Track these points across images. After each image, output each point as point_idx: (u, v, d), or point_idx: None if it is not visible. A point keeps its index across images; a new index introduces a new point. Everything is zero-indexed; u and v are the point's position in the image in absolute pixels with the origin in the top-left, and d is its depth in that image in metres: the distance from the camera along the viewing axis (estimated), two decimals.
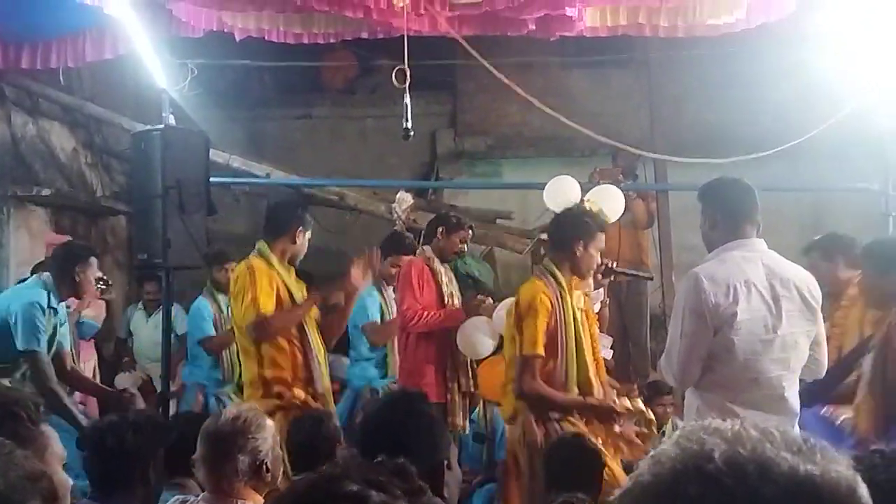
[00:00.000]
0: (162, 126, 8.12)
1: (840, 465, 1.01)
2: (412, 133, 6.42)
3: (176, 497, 3.55)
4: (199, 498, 3.43)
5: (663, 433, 7.58)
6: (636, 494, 1.03)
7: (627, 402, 5.21)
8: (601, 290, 6.25)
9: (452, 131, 12.28)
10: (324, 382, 5.53)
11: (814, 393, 4.81)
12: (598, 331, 5.81)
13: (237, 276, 5.51)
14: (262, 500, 3.41)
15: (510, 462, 5.16)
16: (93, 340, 8.22)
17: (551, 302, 5.12)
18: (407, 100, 6.26)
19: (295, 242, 5.61)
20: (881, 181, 8.67)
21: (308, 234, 5.67)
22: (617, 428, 5.16)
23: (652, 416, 5.27)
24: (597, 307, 5.94)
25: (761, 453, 1.00)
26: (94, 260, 6.15)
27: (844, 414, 5.13)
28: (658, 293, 9.77)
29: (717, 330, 3.99)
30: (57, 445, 2.56)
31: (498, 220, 10.45)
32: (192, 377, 7.90)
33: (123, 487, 3.42)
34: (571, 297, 5.27)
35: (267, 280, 5.39)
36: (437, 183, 11.77)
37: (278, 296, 5.43)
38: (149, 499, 3.49)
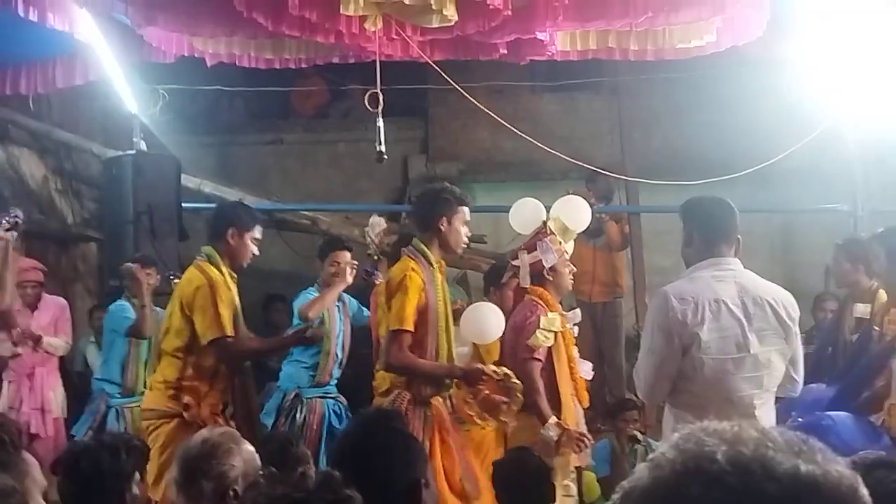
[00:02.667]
0: (133, 151, 8.13)
1: (840, 466, 1.01)
2: (386, 156, 6.44)
3: None
4: None
5: (635, 450, 7.64)
6: (635, 498, 1.02)
7: (493, 367, 5.22)
8: (577, 310, 6.25)
9: (424, 156, 12.29)
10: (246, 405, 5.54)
11: (843, 397, 4.88)
12: (575, 353, 5.84)
13: (196, 287, 5.36)
14: None
15: None
16: (55, 368, 7.91)
17: (422, 279, 5.09)
18: (380, 122, 6.28)
19: (230, 245, 5.51)
20: (850, 202, 8.77)
21: (250, 235, 5.56)
22: (485, 391, 5.17)
23: (518, 382, 5.20)
24: (575, 330, 5.94)
25: (763, 453, 0.99)
26: None
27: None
28: (632, 315, 9.81)
29: (686, 348, 3.99)
30: (37, 473, 2.52)
31: (471, 245, 10.44)
32: (97, 385, 7.54)
33: None
34: (443, 274, 5.30)
35: (225, 293, 5.36)
36: (410, 208, 11.76)
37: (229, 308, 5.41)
38: None
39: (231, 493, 3.28)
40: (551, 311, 5.69)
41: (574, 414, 5.65)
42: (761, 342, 4.03)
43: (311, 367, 7.09)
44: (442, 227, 5.22)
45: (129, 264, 7.04)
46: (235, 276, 5.57)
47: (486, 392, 5.18)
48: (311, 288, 7.18)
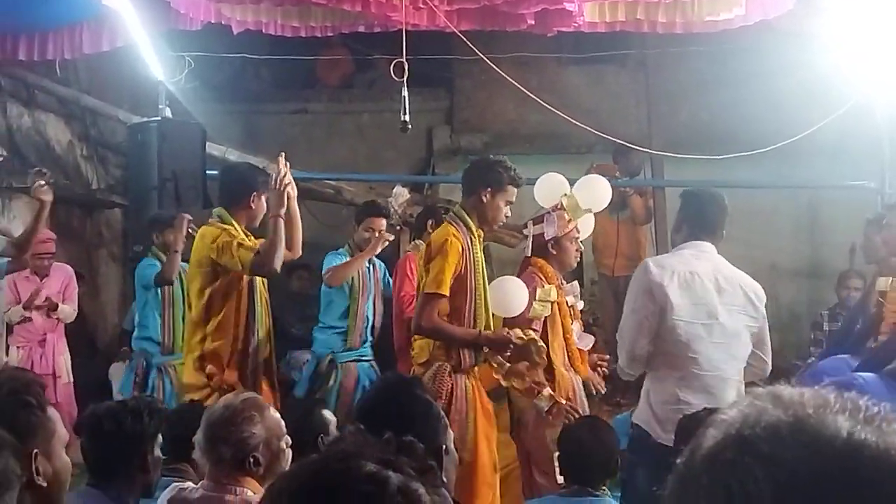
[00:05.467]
0: (159, 118, 8.14)
1: None
2: (410, 126, 6.42)
3: (174, 484, 3.53)
4: (199, 486, 3.41)
5: None
6: (698, 460, 1.02)
7: (519, 332, 5.23)
8: (575, 283, 6.25)
9: (449, 128, 12.26)
10: (261, 361, 5.51)
11: (871, 364, 4.93)
12: (575, 325, 5.89)
13: (213, 236, 5.33)
14: (261, 488, 3.37)
15: None
16: (62, 334, 8.00)
17: (462, 246, 5.10)
18: (405, 92, 6.25)
19: (251, 208, 5.52)
20: (878, 179, 8.69)
21: (265, 198, 5.52)
22: (509, 363, 5.23)
23: (543, 345, 5.26)
24: (570, 300, 5.93)
25: (807, 419, 0.98)
26: None
27: None
28: None
29: (662, 310, 4.47)
30: (62, 429, 2.55)
31: None
32: (137, 344, 7.57)
33: (122, 473, 3.41)
34: (481, 243, 5.30)
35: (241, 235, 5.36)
36: (434, 178, 11.75)
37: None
38: (148, 485, 3.48)
39: (251, 459, 3.30)
40: (549, 284, 5.72)
41: (568, 384, 5.69)
42: (730, 315, 4.52)
43: (342, 332, 7.10)
44: (484, 198, 5.21)
45: (183, 214, 7.06)
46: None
47: (510, 364, 5.24)
48: (341, 249, 7.21)
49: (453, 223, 5.24)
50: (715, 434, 1.01)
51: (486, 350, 5.26)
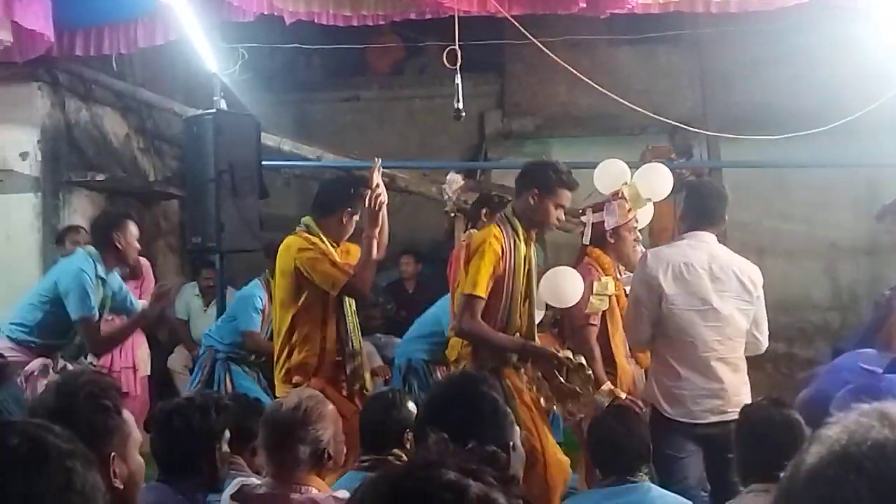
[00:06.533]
0: (214, 111, 8.20)
1: None
2: (464, 114, 6.42)
3: (238, 479, 3.58)
4: (261, 483, 3.46)
5: None
6: (797, 465, 1.02)
7: (569, 353, 5.16)
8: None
9: (500, 112, 12.23)
10: (358, 370, 5.46)
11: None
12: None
13: (298, 246, 5.32)
14: (325, 485, 3.43)
15: None
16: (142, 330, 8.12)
17: (502, 248, 5.05)
18: (458, 80, 6.25)
19: (342, 224, 5.49)
20: None
21: (356, 218, 5.52)
22: (560, 379, 5.12)
23: (591, 373, 5.18)
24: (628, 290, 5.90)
25: None
26: (130, 223, 6.16)
27: None
28: None
29: (659, 298, 4.91)
30: (135, 431, 2.60)
31: None
32: (208, 340, 7.77)
33: (191, 469, 3.47)
34: (528, 246, 5.22)
35: (331, 253, 5.34)
36: (487, 164, 11.74)
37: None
38: (215, 480, 3.53)
39: (326, 454, 3.36)
40: (605, 276, 5.68)
41: (629, 377, 5.70)
42: (722, 300, 4.91)
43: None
44: (532, 200, 5.17)
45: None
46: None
47: (561, 380, 5.13)
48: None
49: (500, 224, 5.21)
50: (819, 450, 1.01)
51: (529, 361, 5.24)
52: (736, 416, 4.40)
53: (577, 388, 5.13)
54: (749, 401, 4.72)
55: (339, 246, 5.50)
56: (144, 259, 8.18)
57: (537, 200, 5.16)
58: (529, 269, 5.23)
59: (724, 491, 4.53)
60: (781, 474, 1.06)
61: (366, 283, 5.24)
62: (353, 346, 5.43)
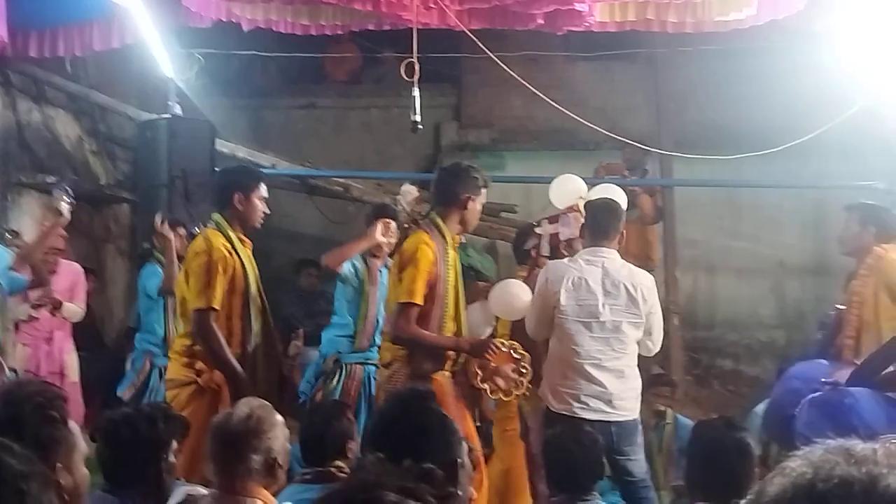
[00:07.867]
0: (168, 115, 8.15)
1: None
2: (421, 126, 6.42)
3: (185, 490, 3.54)
4: (207, 493, 3.42)
5: (663, 426, 7.60)
6: (759, 493, 1.03)
7: (500, 339, 5.44)
8: None
9: (456, 124, 12.26)
10: (260, 369, 5.34)
11: (864, 373, 5.19)
12: None
13: (195, 252, 5.22)
14: (272, 498, 3.40)
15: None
16: (70, 333, 7.84)
17: (434, 253, 5.10)
18: (416, 92, 6.25)
19: (239, 209, 5.33)
20: (887, 180, 8.67)
21: (256, 194, 5.36)
22: (493, 364, 5.25)
23: (525, 353, 5.30)
24: None
25: (881, 478, 0.99)
26: None
27: None
28: (663, 288, 9.78)
29: (554, 307, 5.31)
30: (81, 442, 2.56)
31: (502, 214, 10.44)
32: (141, 344, 7.61)
33: (138, 479, 3.42)
34: (455, 250, 5.32)
35: (223, 265, 5.17)
36: (434, 179, 11.72)
37: (232, 278, 5.22)
38: (160, 490, 3.48)
39: (277, 463, 3.34)
40: None
41: None
42: (612, 313, 5.28)
43: (351, 334, 6.94)
44: (468, 206, 5.26)
45: (156, 217, 7.06)
46: (249, 241, 5.42)
47: (494, 365, 5.24)
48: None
49: (427, 230, 5.24)
50: (783, 483, 1.02)
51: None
52: (618, 419, 5.22)
53: (517, 371, 5.28)
54: (635, 407, 5.36)
55: (249, 234, 5.44)
56: (77, 264, 8.06)
57: (472, 205, 5.29)
58: (457, 273, 5.32)
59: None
60: (735, 500, 1.08)
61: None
62: (253, 339, 5.34)
